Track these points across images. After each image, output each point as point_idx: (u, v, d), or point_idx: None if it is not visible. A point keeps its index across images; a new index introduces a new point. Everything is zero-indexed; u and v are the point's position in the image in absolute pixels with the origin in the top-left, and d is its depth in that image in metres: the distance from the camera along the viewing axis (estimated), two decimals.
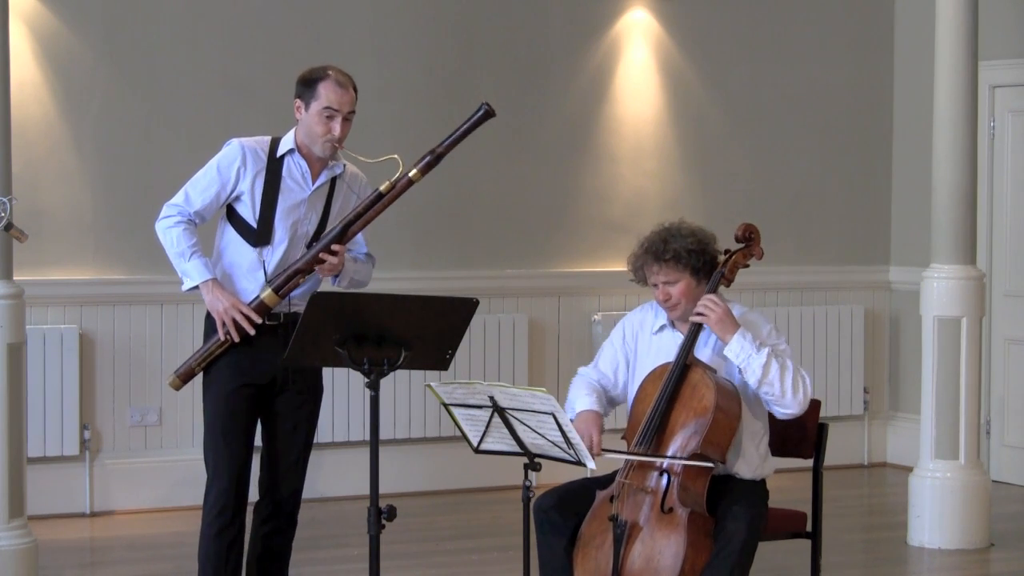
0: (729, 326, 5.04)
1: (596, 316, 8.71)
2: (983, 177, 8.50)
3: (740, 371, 5.06)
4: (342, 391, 8.09)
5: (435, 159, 5.30)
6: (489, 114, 5.30)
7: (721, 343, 5.09)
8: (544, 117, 8.73)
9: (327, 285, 5.42)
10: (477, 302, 4.82)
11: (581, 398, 5.26)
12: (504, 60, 8.62)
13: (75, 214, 7.84)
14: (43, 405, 7.64)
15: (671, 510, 4.88)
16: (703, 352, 5.17)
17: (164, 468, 7.95)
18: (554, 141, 8.76)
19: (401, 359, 4.69)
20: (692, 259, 5.14)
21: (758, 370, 5.00)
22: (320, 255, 5.23)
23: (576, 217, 8.80)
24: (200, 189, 5.30)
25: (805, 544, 5.41)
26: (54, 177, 7.80)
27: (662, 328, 5.28)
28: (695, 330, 5.10)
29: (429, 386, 4.76)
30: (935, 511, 7.27)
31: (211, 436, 5.31)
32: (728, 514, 4.91)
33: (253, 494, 5.39)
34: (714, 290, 5.15)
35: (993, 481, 8.09)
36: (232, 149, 5.32)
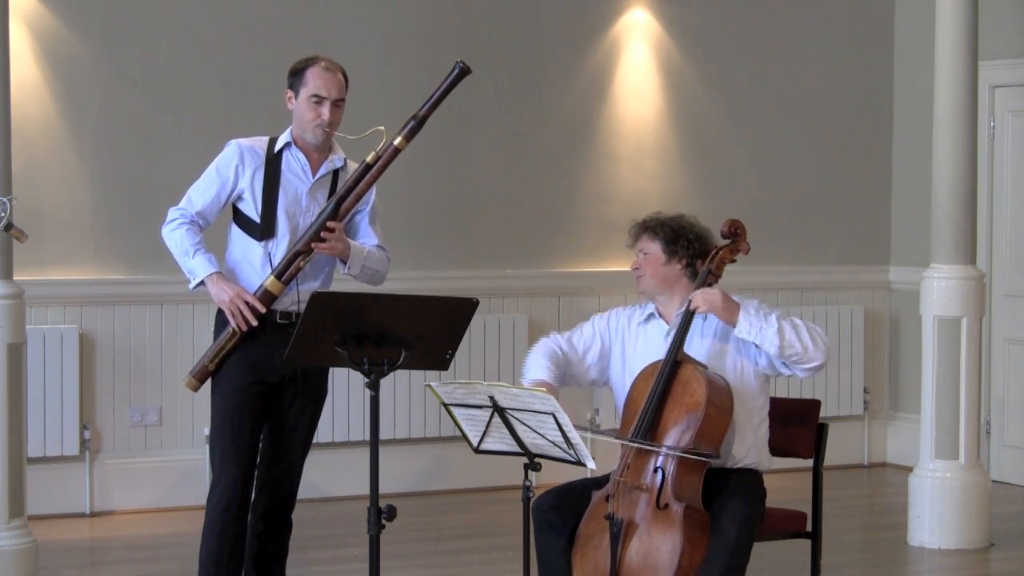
0: (732, 308, 5.07)
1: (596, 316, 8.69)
2: (983, 177, 8.49)
3: (756, 346, 5.07)
4: (342, 391, 8.09)
5: (418, 124, 5.33)
6: (464, 71, 5.33)
7: (723, 328, 5.13)
8: (544, 117, 8.73)
9: (338, 282, 5.42)
10: (477, 302, 4.83)
11: (537, 366, 5.23)
12: (504, 60, 8.62)
13: (75, 214, 7.84)
14: (43, 405, 7.63)
15: (666, 506, 4.88)
16: (702, 341, 5.19)
17: (164, 468, 7.95)
18: (554, 141, 8.76)
19: (401, 359, 4.69)
20: (665, 232, 5.21)
21: (774, 338, 5.02)
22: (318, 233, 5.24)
23: (576, 217, 8.80)
24: (201, 191, 5.35)
25: (805, 544, 5.41)
26: (54, 177, 7.80)
27: (649, 317, 5.30)
28: (684, 326, 5.10)
29: (429, 386, 4.76)
30: (935, 511, 7.27)
31: (218, 433, 5.31)
32: (723, 511, 4.91)
33: None
34: (701, 287, 5.16)
35: (993, 481, 8.08)
36: (230, 149, 5.38)
